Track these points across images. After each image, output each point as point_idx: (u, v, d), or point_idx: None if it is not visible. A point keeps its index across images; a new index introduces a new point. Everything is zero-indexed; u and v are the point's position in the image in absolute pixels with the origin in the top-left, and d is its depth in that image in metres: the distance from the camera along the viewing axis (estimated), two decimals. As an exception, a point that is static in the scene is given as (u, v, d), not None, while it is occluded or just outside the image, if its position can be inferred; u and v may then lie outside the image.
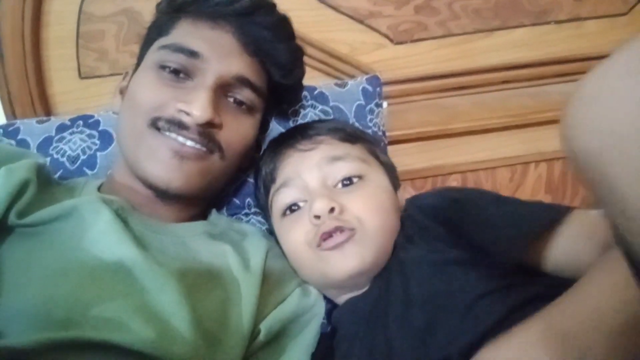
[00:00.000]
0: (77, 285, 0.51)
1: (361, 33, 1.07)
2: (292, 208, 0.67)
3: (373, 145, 0.75)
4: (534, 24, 1.10)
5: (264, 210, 0.75)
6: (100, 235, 0.57)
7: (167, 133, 0.63)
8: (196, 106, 0.62)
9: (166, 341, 0.49)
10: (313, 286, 0.70)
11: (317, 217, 0.63)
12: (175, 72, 0.65)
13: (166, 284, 0.53)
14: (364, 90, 0.86)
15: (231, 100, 0.68)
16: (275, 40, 0.69)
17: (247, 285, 0.61)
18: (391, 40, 1.09)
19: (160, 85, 0.65)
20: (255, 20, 0.68)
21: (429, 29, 1.09)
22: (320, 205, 0.62)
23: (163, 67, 0.65)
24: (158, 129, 0.64)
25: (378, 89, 0.88)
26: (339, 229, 0.62)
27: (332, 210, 0.62)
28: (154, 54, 0.67)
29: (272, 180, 0.70)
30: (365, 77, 0.89)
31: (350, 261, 0.62)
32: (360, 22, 1.07)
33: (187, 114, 0.62)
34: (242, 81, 0.67)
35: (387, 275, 0.64)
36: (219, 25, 0.67)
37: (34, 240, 0.57)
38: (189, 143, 0.63)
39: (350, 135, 0.72)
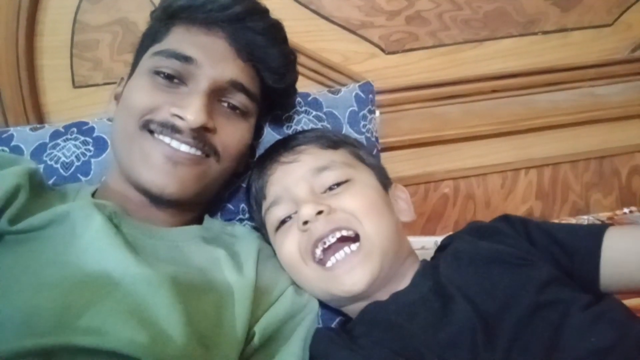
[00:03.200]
0: (67, 291, 0.51)
1: (353, 43, 1.09)
2: (284, 221, 0.67)
3: (357, 148, 0.75)
4: (521, 35, 1.13)
5: (261, 228, 0.74)
6: (92, 241, 0.56)
7: (160, 137, 0.63)
8: (190, 111, 0.62)
9: (159, 345, 0.49)
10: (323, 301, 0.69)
11: (305, 222, 0.62)
12: (169, 77, 0.65)
13: (159, 288, 0.53)
14: (357, 96, 0.88)
15: (225, 105, 0.68)
16: (268, 45, 0.70)
17: (241, 289, 0.60)
18: (383, 50, 1.11)
19: (154, 89, 0.65)
20: (248, 25, 0.68)
21: (420, 39, 1.11)
22: (307, 210, 0.61)
23: (157, 72, 0.66)
24: (150, 131, 0.64)
25: (371, 95, 0.89)
26: (336, 229, 0.61)
27: (320, 212, 0.62)
28: (148, 60, 0.68)
29: (263, 196, 0.70)
30: (358, 84, 0.90)
31: (358, 277, 0.60)
32: (353, 32, 1.09)
33: (181, 118, 0.63)
34: (236, 86, 0.68)
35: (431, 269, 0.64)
36: (212, 31, 0.68)
37: (26, 247, 0.56)
38: (183, 147, 0.63)
39: (332, 141, 0.71)
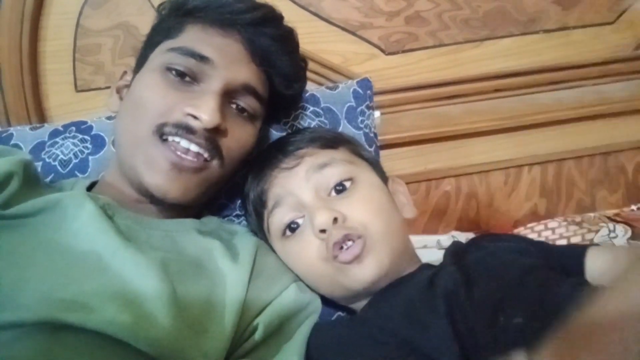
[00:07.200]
0: (54, 271, 0.51)
1: (353, 44, 1.09)
2: (291, 227, 0.66)
3: (354, 145, 0.75)
4: (522, 34, 1.13)
5: (257, 233, 0.74)
6: (82, 227, 0.56)
7: (172, 138, 0.62)
8: (205, 110, 0.61)
9: (143, 327, 0.48)
10: (336, 300, 0.69)
11: (323, 231, 0.61)
12: (181, 74, 0.65)
13: (147, 272, 0.53)
14: (354, 92, 0.87)
15: (234, 106, 0.68)
16: (281, 52, 0.70)
17: (235, 277, 0.60)
18: (383, 51, 1.10)
19: (167, 88, 0.64)
20: (264, 31, 0.68)
21: (420, 40, 1.11)
22: (323, 219, 0.61)
23: (169, 69, 0.65)
24: (162, 136, 0.63)
25: (369, 91, 0.89)
26: (348, 237, 0.61)
27: (335, 220, 0.62)
28: (161, 56, 0.66)
29: (263, 204, 0.69)
30: (356, 80, 0.90)
31: (368, 270, 0.61)
32: (352, 33, 1.09)
33: (195, 117, 0.62)
34: (248, 89, 0.68)
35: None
36: (228, 33, 0.67)
37: (15, 232, 0.56)
38: (193, 147, 0.63)
39: (331, 140, 0.71)
